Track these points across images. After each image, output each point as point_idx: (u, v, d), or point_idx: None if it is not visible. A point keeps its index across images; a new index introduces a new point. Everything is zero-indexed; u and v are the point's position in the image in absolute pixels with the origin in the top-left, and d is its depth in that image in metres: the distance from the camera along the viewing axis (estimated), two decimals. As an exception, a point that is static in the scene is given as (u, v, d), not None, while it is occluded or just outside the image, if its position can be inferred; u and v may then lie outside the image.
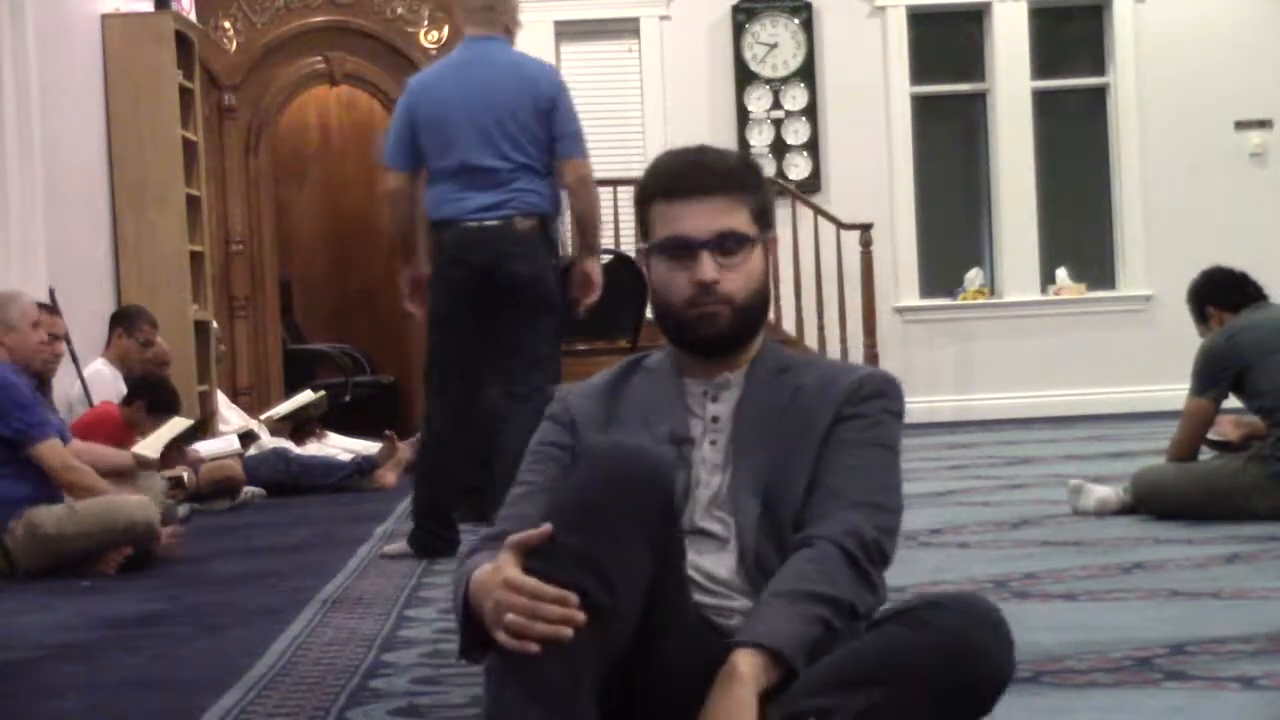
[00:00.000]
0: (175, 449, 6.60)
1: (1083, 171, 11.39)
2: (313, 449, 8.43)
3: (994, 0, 11.14)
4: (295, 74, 10.57)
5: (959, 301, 11.20)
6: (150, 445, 6.39)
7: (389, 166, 5.45)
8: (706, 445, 2.34)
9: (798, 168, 11.00)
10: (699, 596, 2.23)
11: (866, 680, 2.06)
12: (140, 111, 8.43)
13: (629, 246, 7.85)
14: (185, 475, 6.94)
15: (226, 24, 10.32)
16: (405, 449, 8.34)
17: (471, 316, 5.27)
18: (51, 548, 5.20)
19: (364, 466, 8.21)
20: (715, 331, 2.34)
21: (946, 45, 11.44)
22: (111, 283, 8.37)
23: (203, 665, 3.62)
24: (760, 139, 11.00)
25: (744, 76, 11.02)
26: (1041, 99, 11.26)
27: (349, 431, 9.00)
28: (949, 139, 11.62)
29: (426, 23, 10.49)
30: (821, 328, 10.30)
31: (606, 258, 6.20)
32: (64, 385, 6.96)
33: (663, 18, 11.05)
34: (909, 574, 4.10)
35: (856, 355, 9.94)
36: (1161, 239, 11.01)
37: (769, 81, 11.02)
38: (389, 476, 8.19)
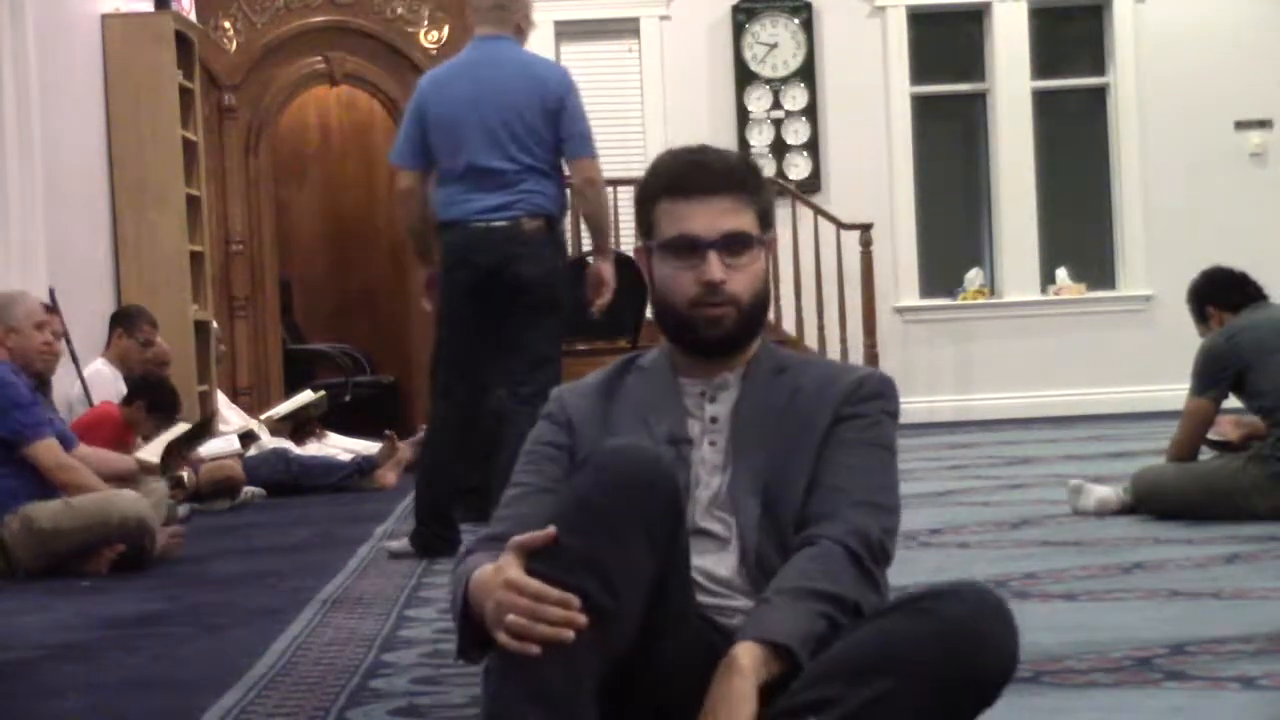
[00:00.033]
0: (177, 453, 6.60)
1: (1083, 171, 11.39)
2: (313, 449, 8.43)
3: (994, 0, 11.14)
4: (295, 74, 10.57)
5: (959, 301, 11.20)
6: (152, 450, 6.40)
7: (400, 166, 5.45)
8: (706, 446, 2.34)
9: (798, 168, 11.00)
10: (700, 597, 2.23)
11: (869, 671, 2.06)
12: (140, 111, 8.43)
13: (629, 246, 7.85)
14: (185, 475, 6.94)
15: (226, 24, 10.32)
16: (405, 449, 8.34)
17: (477, 317, 5.28)
18: (47, 543, 5.20)
19: (364, 466, 8.21)
20: (720, 333, 2.34)
21: (946, 45, 11.44)
22: (111, 283, 8.37)
23: (203, 665, 3.62)
24: (760, 139, 11.00)
25: (744, 76, 11.02)
26: (1041, 99, 11.26)
27: (349, 431, 9.00)
28: (949, 139, 11.62)
29: (426, 23, 10.49)
30: (821, 328, 10.30)
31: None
32: (64, 385, 6.96)
33: (663, 18, 11.05)
34: (909, 574, 4.09)
35: (856, 355, 9.94)
36: (1161, 239, 11.01)
37: (769, 81, 11.02)
38: (389, 476, 8.19)
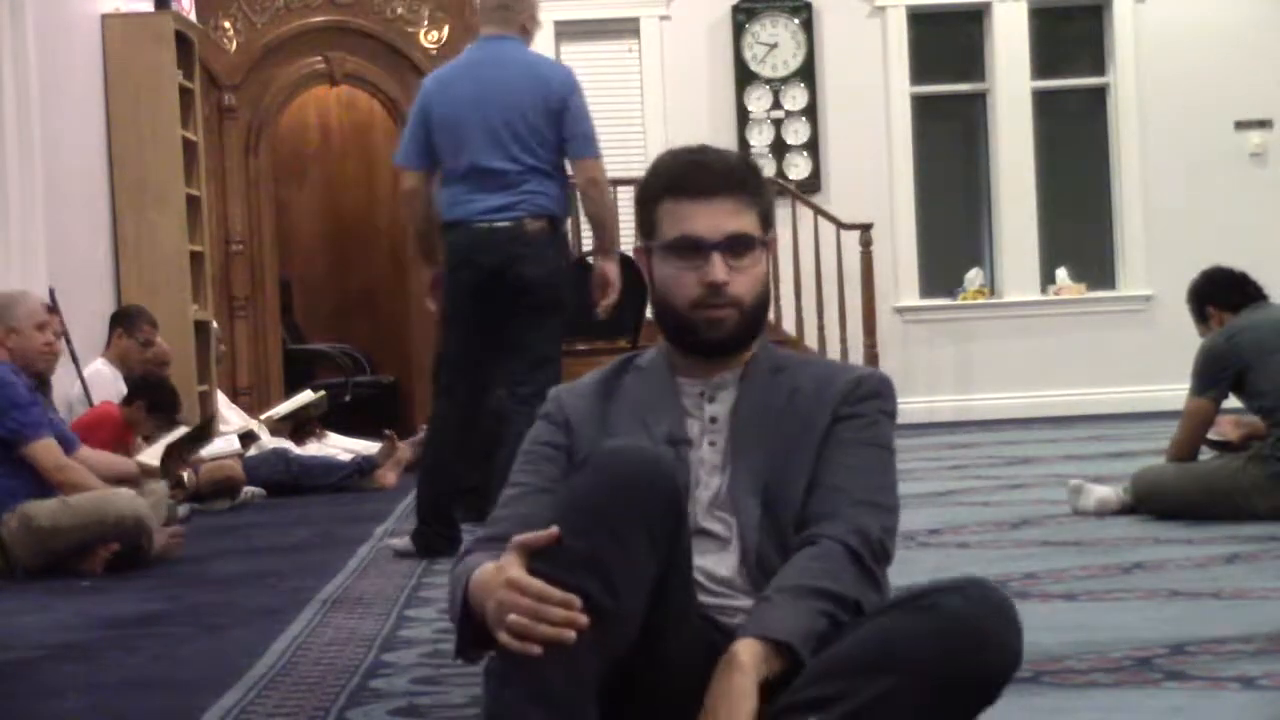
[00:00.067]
0: (177, 455, 6.59)
1: (1083, 171, 11.39)
2: (313, 449, 8.43)
3: (994, 0, 11.14)
4: (295, 74, 10.57)
5: (959, 301, 11.20)
6: (153, 453, 6.40)
7: (404, 166, 5.46)
8: (705, 446, 2.34)
9: (798, 168, 11.00)
10: (701, 597, 2.23)
11: (871, 668, 2.06)
12: (140, 111, 8.43)
13: (629, 247, 7.85)
14: (185, 475, 6.95)
15: (226, 24, 10.32)
16: (405, 449, 8.34)
17: (480, 317, 5.28)
18: (46, 541, 5.21)
19: (364, 466, 8.21)
20: (721, 335, 2.34)
21: (946, 45, 11.44)
22: (111, 283, 8.37)
23: (203, 665, 3.62)
24: (760, 139, 11.00)
25: (744, 76, 11.02)
26: (1041, 99, 11.26)
27: (349, 431, 9.00)
28: (949, 139, 11.62)
29: (426, 23, 10.49)
30: (821, 328, 10.30)
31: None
32: (64, 385, 6.96)
33: (663, 18, 11.05)
34: (908, 574, 4.07)
35: (856, 355, 9.94)
36: (1161, 239, 11.01)
37: (769, 81, 11.02)
38: (389, 476, 8.19)
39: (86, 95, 8.25)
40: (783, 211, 9.90)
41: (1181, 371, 5.79)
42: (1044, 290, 11.24)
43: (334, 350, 11.26)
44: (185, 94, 8.68)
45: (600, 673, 2.02)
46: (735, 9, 11.02)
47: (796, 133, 11.03)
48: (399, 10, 10.47)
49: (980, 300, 11.17)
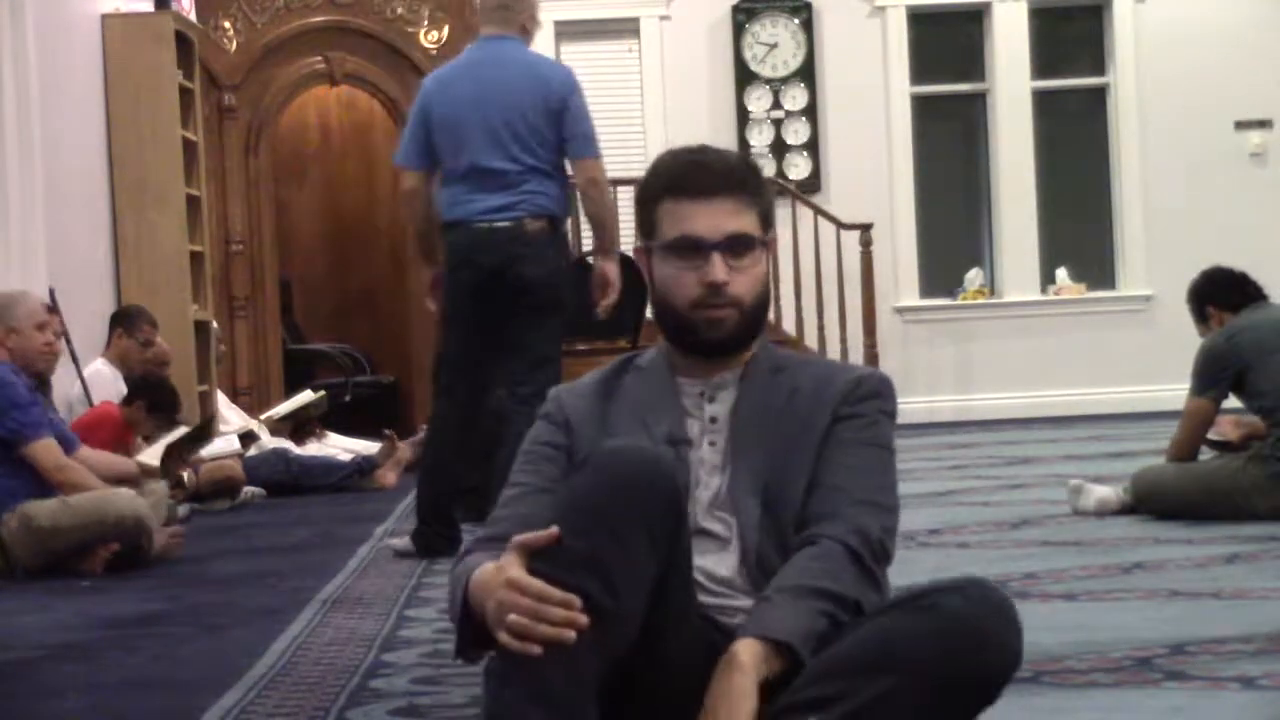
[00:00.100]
0: (177, 456, 6.59)
1: (1083, 171, 11.39)
2: (313, 449, 8.43)
3: (994, 0, 11.14)
4: (295, 74, 10.57)
5: (959, 301, 11.20)
6: (153, 454, 6.40)
7: (404, 166, 5.46)
8: (705, 446, 2.34)
9: (798, 168, 11.00)
10: (701, 597, 2.23)
11: (871, 668, 2.06)
12: (140, 111, 8.43)
13: (629, 247, 7.86)
14: (185, 475, 6.94)
15: (226, 24, 10.32)
16: (405, 449, 8.34)
17: (480, 317, 5.28)
18: (46, 541, 5.21)
19: (364, 466, 8.21)
20: (722, 336, 2.34)
21: (946, 45, 11.44)
22: (111, 283, 8.37)
23: (203, 665, 3.62)
24: (760, 139, 11.00)
25: (744, 76, 11.02)
26: (1041, 99, 11.26)
27: (349, 431, 9.00)
28: (949, 139, 11.62)
29: (426, 23, 10.49)
30: (821, 328, 10.30)
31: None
32: (64, 385, 6.96)
33: (663, 18, 11.05)
34: (908, 574, 4.07)
35: (856, 355, 9.94)
36: (1161, 239, 11.01)
37: (769, 81, 11.02)
38: (389, 476, 8.19)
39: (86, 95, 8.25)
40: (783, 211, 9.90)
41: (1181, 371, 5.79)
42: (1044, 290, 11.24)
43: (334, 350, 11.26)
44: (185, 94, 8.68)
45: (600, 673, 2.02)
46: (735, 9, 11.02)
47: (796, 133, 11.03)
48: (399, 10, 10.47)
49: (980, 300, 11.17)
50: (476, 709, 2.77)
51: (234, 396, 9.51)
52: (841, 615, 2.15)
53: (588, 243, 9.23)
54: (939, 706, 2.07)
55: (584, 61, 10.65)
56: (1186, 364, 5.56)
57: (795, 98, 11.03)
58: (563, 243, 5.48)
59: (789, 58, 11.04)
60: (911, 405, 10.12)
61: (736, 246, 2.32)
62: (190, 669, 3.61)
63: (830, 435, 2.31)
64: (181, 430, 6.76)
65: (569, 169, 5.38)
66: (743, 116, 11.01)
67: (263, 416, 8.64)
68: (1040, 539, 5.06)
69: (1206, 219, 10.86)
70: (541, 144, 5.26)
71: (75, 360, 7.12)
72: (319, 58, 10.53)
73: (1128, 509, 5.51)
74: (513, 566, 2.02)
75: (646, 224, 2.38)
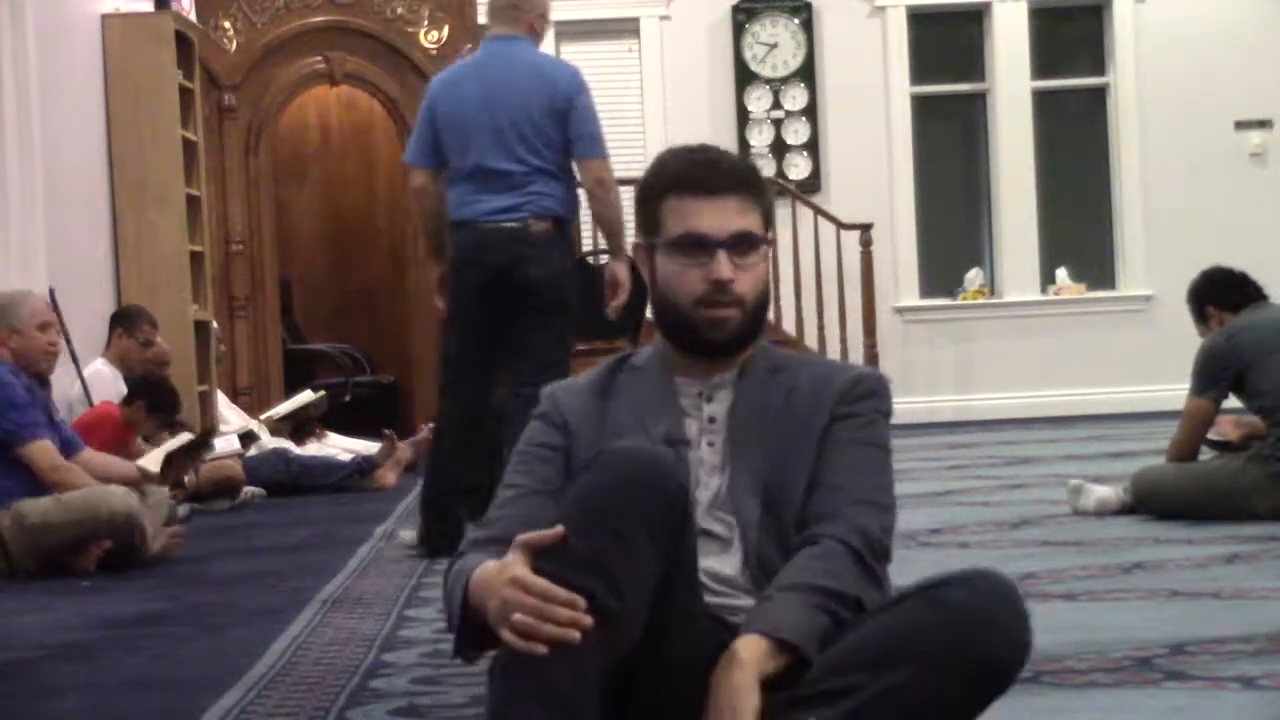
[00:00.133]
0: (177, 462, 6.59)
1: (1083, 171, 11.39)
2: (313, 449, 8.43)
3: (994, 0, 11.14)
4: (295, 74, 10.56)
5: (959, 301, 11.20)
6: (153, 459, 6.40)
7: (412, 165, 5.46)
8: (704, 446, 2.34)
9: (798, 168, 11.00)
10: (706, 597, 2.23)
11: (879, 662, 2.06)
12: (140, 111, 8.43)
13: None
14: (185, 475, 6.94)
15: (226, 24, 10.32)
16: (405, 449, 8.34)
17: (485, 317, 5.28)
18: (38, 538, 5.21)
19: (364, 466, 8.21)
20: (724, 335, 2.33)
21: (946, 45, 11.44)
22: (111, 283, 8.37)
23: (203, 665, 3.62)
24: (760, 139, 11.00)
25: (744, 76, 11.02)
26: (1041, 99, 11.26)
27: (349, 431, 9.00)
28: (949, 139, 11.62)
29: (426, 23, 10.48)
30: (821, 328, 10.30)
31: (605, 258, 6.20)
32: (64, 385, 6.96)
33: (663, 18, 11.05)
34: (908, 574, 4.07)
35: (856, 355, 9.94)
36: (1161, 239, 11.01)
37: (769, 81, 11.02)
38: (389, 476, 8.19)
39: (86, 95, 8.25)
40: (783, 211, 9.90)
41: (1181, 371, 5.79)
42: (1044, 290, 11.24)
43: (334, 350, 11.25)
44: (185, 94, 8.68)
45: (604, 673, 2.02)
46: (735, 9, 11.02)
47: (796, 133, 11.03)
48: (399, 10, 10.47)
49: (980, 300, 11.17)
50: (477, 709, 2.77)
51: (234, 396, 9.51)
52: (843, 613, 2.15)
53: (588, 243, 9.27)
54: (949, 697, 2.07)
55: (584, 61, 10.57)
56: (1186, 364, 5.56)
57: (795, 98, 11.03)
58: (568, 244, 5.47)
59: (789, 58, 11.04)
60: (911, 405, 10.13)
61: (742, 245, 2.31)
62: (190, 669, 3.61)
63: (828, 435, 2.31)
64: (183, 438, 6.75)
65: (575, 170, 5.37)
66: (743, 116, 11.01)
67: (263, 416, 8.64)
68: (1040, 539, 5.06)
69: (1206, 219, 10.86)
70: (547, 145, 5.25)
71: (75, 360, 7.11)
72: (319, 58, 10.53)
73: (1128, 509, 5.50)
74: (517, 565, 2.02)
75: (649, 221, 2.37)
